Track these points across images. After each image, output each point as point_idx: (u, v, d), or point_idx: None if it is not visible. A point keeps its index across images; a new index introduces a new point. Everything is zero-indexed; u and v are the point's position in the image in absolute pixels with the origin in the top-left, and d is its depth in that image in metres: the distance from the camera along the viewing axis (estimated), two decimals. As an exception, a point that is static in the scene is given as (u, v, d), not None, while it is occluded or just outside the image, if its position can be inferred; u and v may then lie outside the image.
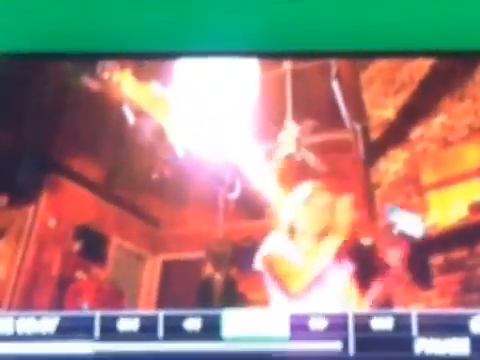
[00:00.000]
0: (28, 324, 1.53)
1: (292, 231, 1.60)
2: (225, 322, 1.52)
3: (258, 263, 1.59)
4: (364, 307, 1.54)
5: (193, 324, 1.52)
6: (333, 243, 1.55)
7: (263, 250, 1.59)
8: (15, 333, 1.53)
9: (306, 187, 1.61)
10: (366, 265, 1.57)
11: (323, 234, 1.59)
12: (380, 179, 1.64)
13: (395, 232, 1.56)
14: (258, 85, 1.66)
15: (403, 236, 1.56)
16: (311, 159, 1.64)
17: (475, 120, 1.61)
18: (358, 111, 1.68)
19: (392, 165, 1.64)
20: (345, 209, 1.55)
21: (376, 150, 1.66)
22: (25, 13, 1.68)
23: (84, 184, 1.65)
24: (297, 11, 1.68)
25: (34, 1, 1.69)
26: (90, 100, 1.67)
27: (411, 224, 1.56)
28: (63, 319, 1.53)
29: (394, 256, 1.56)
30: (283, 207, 1.60)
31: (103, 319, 1.53)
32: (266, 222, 1.61)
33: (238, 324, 1.52)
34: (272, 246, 1.59)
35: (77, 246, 1.61)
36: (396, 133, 1.65)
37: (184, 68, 1.67)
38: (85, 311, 1.55)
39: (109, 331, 1.52)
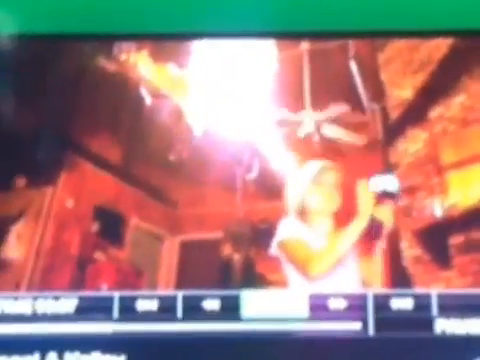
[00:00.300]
0: (47, 305, 1.53)
1: (304, 212, 1.59)
2: (244, 302, 1.52)
3: (274, 248, 1.57)
4: (376, 272, 1.53)
5: (212, 304, 1.51)
6: (358, 226, 1.53)
7: (278, 235, 1.58)
8: (34, 313, 1.53)
9: (313, 166, 1.60)
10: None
11: (338, 213, 1.57)
12: (399, 159, 1.63)
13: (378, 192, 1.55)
14: (275, 65, 1.65)
15: (386, 194, 1.54)
16: (329, 139, 1.63)
17: (495, 100, 1.60)
18: (376, 91, 1.67)
19: (411, 145, 1.63)
20: (366, 192, 1.53)
21: (395, 130, 1.65)
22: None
23: (102, 165, 1.65)
24: (314, -9, 1.67)
25: (51, -17, 1.69)
26: (107, 81, 1.67)
27: (389, 183, 1.55)
28: (82, 299, 1.53)
29: (385, 212, 1.54)
30: (291, 187, 1.59)
31: (122, 299, 1.52)
32: (284, 203, 1.60)
33: (257, 304, 1.51)
34: (287, 230, 1.58)
35: (96, 227, 1.61)
36: (415, 113, 1.64)
37: (201, 49, 1.66)
38: (104, 291, 1.54)
39: (128, 311, 1.52)
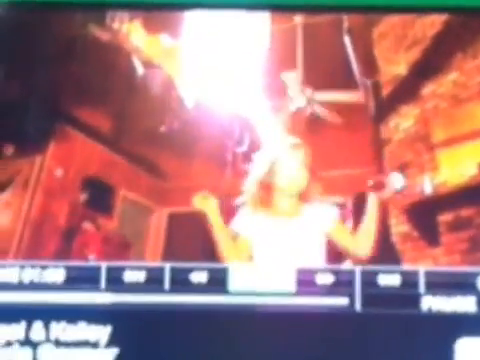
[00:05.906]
0: (34, 274, 1.52)
1: (268, 189, 1.57)
2: (231, 275, 1.51)
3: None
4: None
5: (199, 277, 1.51)
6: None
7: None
8: (21, 282, 1.52)
9: (283, 142, 1.59)
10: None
11: (304, 194, 1.56)
12: (390, 135, 1.63)
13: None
14: (268, 38, 1.64)
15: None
16: (321, 113, 1.63)
17: (488, 78, 1.60)
18: (369, 66, 1.66)
19: (402, 121, 1.63)
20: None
21: (387, 106, 1.65)
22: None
23: (92, 135, 1.64)
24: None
25: None
26: (99, 50, 1.65)
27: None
28: (69, 269, 1.52)
29: None
30: (258, 162, 1.58)
31: (109, 270, 1.52)
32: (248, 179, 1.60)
33: (244, 278, 1.51)
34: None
35: (84, 197, 1.61)
36: (407, 89, 1.64)
37: (194, 20, 1.65)
38: (91, 262, 1.54)
39: (115, 282, 1.51)
